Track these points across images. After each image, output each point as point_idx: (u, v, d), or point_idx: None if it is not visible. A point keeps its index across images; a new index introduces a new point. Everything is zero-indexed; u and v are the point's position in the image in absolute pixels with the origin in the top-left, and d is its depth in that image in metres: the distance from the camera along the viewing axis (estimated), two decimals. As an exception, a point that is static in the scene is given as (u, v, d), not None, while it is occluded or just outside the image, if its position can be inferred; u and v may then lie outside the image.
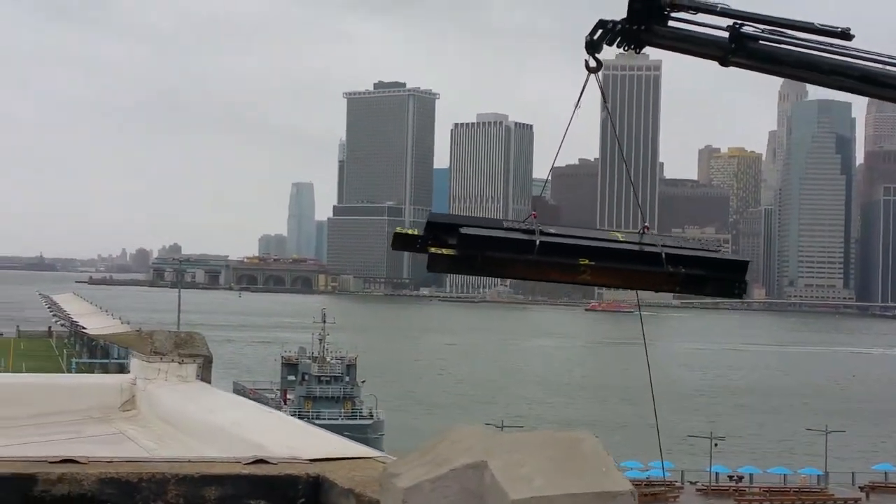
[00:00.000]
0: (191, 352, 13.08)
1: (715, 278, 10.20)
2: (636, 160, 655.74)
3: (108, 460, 7.63)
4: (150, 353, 12.93)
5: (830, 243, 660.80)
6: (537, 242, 9.32)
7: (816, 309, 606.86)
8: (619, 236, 10.19)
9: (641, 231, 10.29)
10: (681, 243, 10.40)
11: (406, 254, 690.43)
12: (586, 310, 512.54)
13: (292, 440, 8.96)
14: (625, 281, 10.08)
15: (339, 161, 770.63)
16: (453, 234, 9.38)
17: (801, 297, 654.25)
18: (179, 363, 12.89)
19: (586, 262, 9.55)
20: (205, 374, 13.12)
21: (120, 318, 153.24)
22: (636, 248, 9.91)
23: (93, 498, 7.10)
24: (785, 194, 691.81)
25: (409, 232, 9.86)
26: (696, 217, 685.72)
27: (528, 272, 9.68)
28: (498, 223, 9.84)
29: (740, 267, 10.29)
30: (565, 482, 5.56)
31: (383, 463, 8.02)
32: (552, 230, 9.69)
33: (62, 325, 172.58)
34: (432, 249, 9.28)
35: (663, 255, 9.80)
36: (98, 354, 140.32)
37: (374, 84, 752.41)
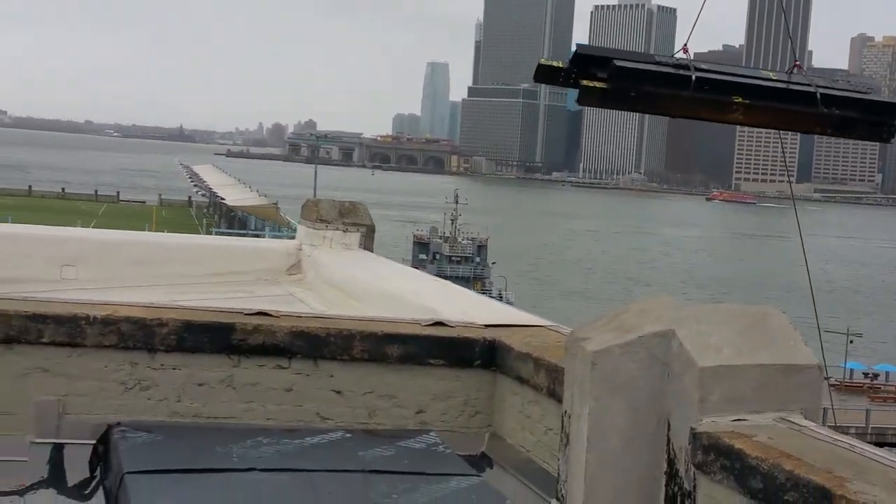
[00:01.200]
0: (354, 221, 13.49)
1: (865, 121, 9.87)
2: (783, 49, 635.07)
3: (298, 315, 8.06)
4: (316, 221, 13.36)
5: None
6: (693, 78, 9.15)
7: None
8: (772, 75, 9.91)
9: (790, 70, 9.99)
10: (831, 83, 10.04)
11: (539, 137, 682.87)
12: (707, 199, 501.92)
13: (464, 307, 9.28)
14: (776, 121, 9.78)
15: (476, 42, 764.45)
16: (601, 67, 9.20)
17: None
18: (344, 231, 13.31)
19: (740, 99, 9.35)
20: (367, 244, 13.52)
21: (257, 191, 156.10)
22: (789, 87, 9.61)
23: (284, 349, 7.54)
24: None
25: (554, 64, 9.53)
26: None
27: (681, 109, 9.47)
28: (649, 57, 9.60)
29: (891, 109, 9.95)
30: (752, 353, 5.72)
31: (556, 332, 8.30)
32: (703, 66, 9.49)
33: (202, 195, 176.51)
34: (584, 82, 9.14)
35: (818, 95, 9.53)
36: (236, 225, 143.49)
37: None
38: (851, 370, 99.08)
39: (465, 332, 8.02)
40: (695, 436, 5.56)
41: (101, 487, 6.95)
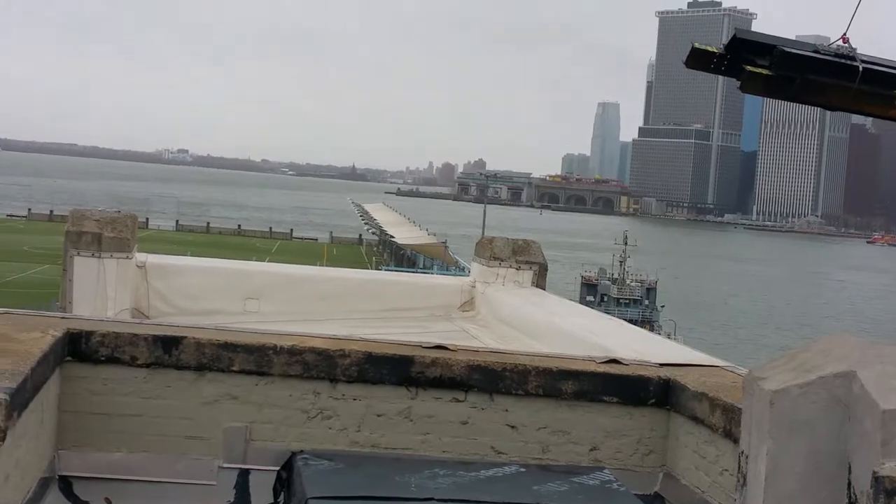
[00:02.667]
0: (528, 259, 13.66)
1: None
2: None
3: (475, 349, 8.24)
4: (490, 259, 13.58)
5: None
6: (860, 69, 8.90)
7: None
8: None
9: None
10: None
11: (711, 178, 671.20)
12: (868, 242, 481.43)
13: (638, 346, 9.32)
14: None
15: (648, 82, 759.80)
16: (757, 54, 9.03)
17: None
18: (517, 269, 13.49)
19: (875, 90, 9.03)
20: (539, 281, 13.66)
21: (426, 230, 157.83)
22: None
23: (461, 382, 7.72)
24: None
25: (709, 48, 9.36)
26: None
27: (842, 100, 9.21)
28: (810, 46, 9.42)
29: None
30: (938, 396, 5.62)
31: (732, 372, 8.26)
32: (865, 57, 9.21)
33: (372, 232, 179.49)
34: (749, 68, 8.97)
35: None
36: (405, 263, 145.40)
37: (688, 3, 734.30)
38: None
39: (639, 371, 8.07)
40: (877, 479, 5.49)
41: None
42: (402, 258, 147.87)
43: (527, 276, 13.52)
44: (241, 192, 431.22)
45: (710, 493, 7.28)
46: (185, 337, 7.47)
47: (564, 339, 10.24)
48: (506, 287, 13.36)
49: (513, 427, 7.79)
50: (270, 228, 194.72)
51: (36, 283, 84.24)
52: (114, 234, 12.34)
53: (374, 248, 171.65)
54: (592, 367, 8.01)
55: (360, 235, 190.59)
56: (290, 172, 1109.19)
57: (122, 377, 7.38)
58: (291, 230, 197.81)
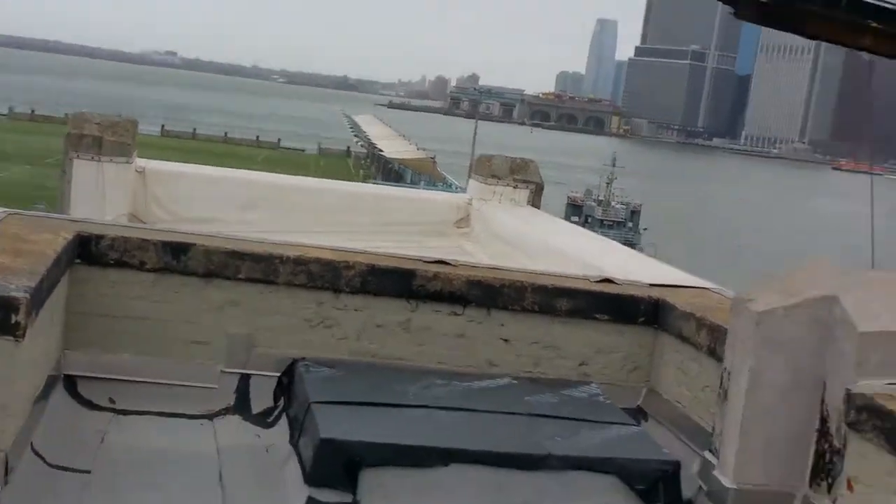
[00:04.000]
0: (525, 177, 13.91)
1: None
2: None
3: (474, 265, 8.54)
4: (488, 176, 13.83)
5: None
6: None
7: None
8: None
9: None
10: None
11: (704, 101, 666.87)
12: (833, 168, 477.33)
13: (629, 265, 9.65)
14: None
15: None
16: None
17: None
18: (514, 187, 13.75)
19: (874, 24, 9.25)
20: (535, 201, 13.93)
21: (416, 145, 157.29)
22: None
23: (460, 296, 8.02)
24: None
25: None
26: None
27: (822, 29, 9.43)
28: None
29: None
30: (913, 321, 5.96)
31: (719, 294, 8.59)
32: None
33: (361, 145, 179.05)
34: None
35: None
36: (392, 177, 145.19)
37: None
38: None
39: (630, 290, 8.38)
40: (849, 396, 5.85)
41: (283, 416, 7.55)
42: (389, 172, 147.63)
43: (523, 194, 13.79)
44: (230, 98, 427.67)
45: (690, 407, 7.64)
46: (195, 244, 7.72)
47: (558, 257, 10.54)
48: (502, 205, 13.63)
49: (507, 341, 8.10)
50: (258, 137, 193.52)
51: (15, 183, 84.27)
52: (114, 139, 12.53)
53: (362, 161, 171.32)
54: (586, 286, 8.31)
55: (349, 148, 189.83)
56: (282, 80, 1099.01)
57: (130, 280, 7.62)
58: (279, 139, 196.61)
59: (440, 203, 14.44)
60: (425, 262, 8.24)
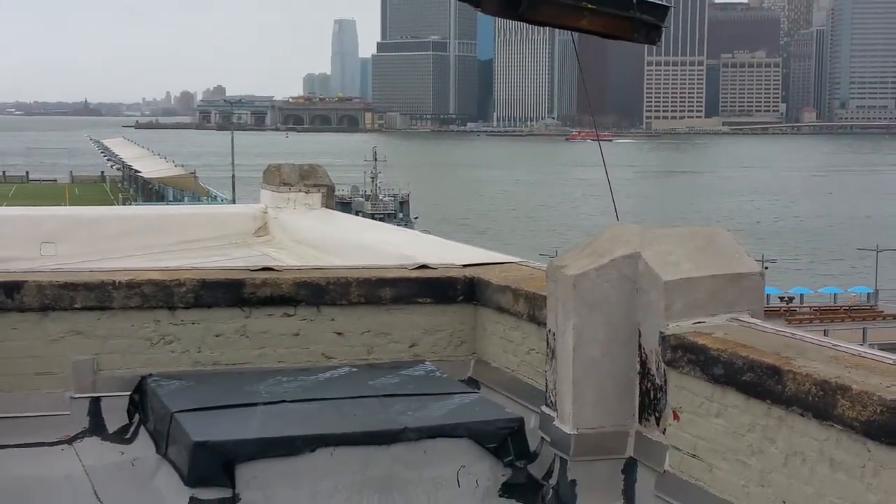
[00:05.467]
0: (315, 182, 14.39)
1: (649, 24, 10.83)
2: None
3: (299, 267, 9.02)
4: (279, 185, 14.24)
5: (884, 64, 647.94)
6: None
7: (868, 130, 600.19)
8: None
9: None
10: None
11: (451, 88, 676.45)
12: (566, 139, 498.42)
13: (436, 251, 10.30)
14: (609, 27, 10.70)
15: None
16: None
17: (852, 119, 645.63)
18: (306, 192, 14.20)
19: (590, 5, 10.25)
20: (328, 203, 14.43)
21: (173, 162, 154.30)
22: None
23: (290, 298, 8.50)
24: (837, 14, 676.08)
25: None
26: (745, 41, 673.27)
27: (557, 15, 10.33)
28: None
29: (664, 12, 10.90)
30: (706, 266, 6.83)
31: (526, 266, 9.36)
32: None
33: (117, 168, 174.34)
34: None
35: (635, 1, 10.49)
36: (153, 197, 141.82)
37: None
38: (768, 296, 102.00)
39: (447, 273, 9.03)
40: (663, 338, 6.66)
41: (140, 430, 7.86)
42: (150, 192, 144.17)
43: (316, 198, 14.26)
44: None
45: (519, 370, 8.35)
46: (26, 281, 7.92)
47: (365, 252, 11.08)
48: (297, 210, 14.06)
49: (340, 334, 8.63)
50: (3, 172, 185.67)
51: None
52: None
53: (119, 185, 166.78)
54: (406, 274, 8.92)
55: (103, 172, 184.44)
56: (17, 112, 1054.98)
57: None
58: (27, 172, 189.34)
59: (236, 215, 14.74)
60: (252, 270, 8.67)
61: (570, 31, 10.69)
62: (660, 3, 11.18)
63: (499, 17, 10.77)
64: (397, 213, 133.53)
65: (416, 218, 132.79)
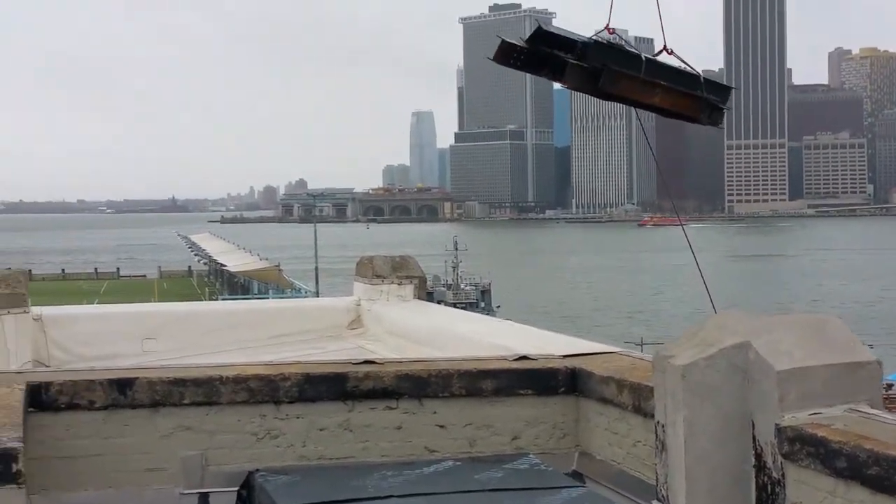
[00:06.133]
0: (407, 274, 14.48)
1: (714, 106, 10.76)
2: (763, 68, 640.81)
3: (399, 360, 9.04)
4: (372, 277, 14.35)
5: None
6: (643, 59, 10.00)
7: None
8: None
9: (657, 54, 10.53)
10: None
11: (529, 176, 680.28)
12: (639, 225, 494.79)
13: (533, 341, 10.26)
14: (680, 105, 10.69)
15: (458, 88, 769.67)
16: (561, 48, 10.00)
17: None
18: (399, 284, 14.29)
19: (664, 83, 10.22)
20: (420, 294, 14.49)
21: (258, 255, 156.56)
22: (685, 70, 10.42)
23: (392, 391, 8.52)
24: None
25: (514, 42, 10.10)
26: (827, 122, 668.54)
27: (635, 91, 10.33)
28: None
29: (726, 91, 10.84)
30: (820, 355, 6.70)
31: (627, 356, 9.27)
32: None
33: (204, 263, 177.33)
34: (572, 61, 9.84)
35: (702, 79, 10.49)
36: (239, 291, 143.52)
37: (490, 7, 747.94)
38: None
39: (547, 364, 8.99)
40: (779, 430, 6.52)
41: None
42: (235, 286, 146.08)
43: (408, 290, 14.33)
44: (60, 236, 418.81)
45: (625, 463, 8.23)
46: (138, 378, 8.05)
47: (461, 343, 11.08)
48: (390, 302, 14.15)
49: (442, 427, 8.60)
50: (96, 269, 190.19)
51: None
52: (8, 291, 12.65)
53: (205, 279, 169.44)
54: (506, 365, 8.90)
55: (190, 267, 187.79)
56: (109, 210, 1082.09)
57: (82, 421, 7.91)
58: (118, 269, 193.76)
59: (329, 308, 14.87)
60: (354, 363, 8.71)
61: (639, 113, 10.77)
62: (724, 84, 11.28)
63: (579, 90, 10.90)
64: (479, 301, 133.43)
65: (499, 307, 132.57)
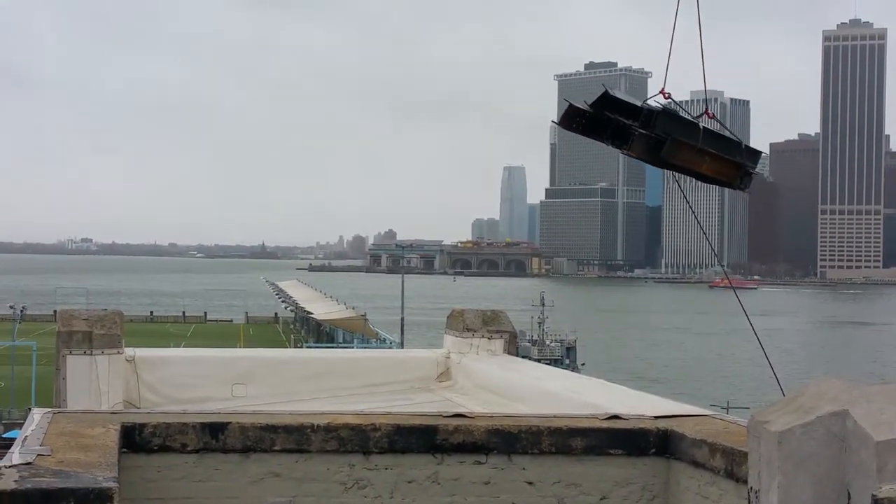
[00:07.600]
0: (498, 328, 14.47)
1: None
2: (860, 133, 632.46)
3: (490, 415, 9.03)
4: (463, 330, 14.37)
5: None
6: (702, 128, 9.98)
7: None
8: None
9: (699, 117, 10.75)
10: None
11: (619, 234, 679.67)
12: (710, 287, 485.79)
13: (625, 400, 10.18)
14: (722, 172, 10.62)
15: (551, 144, 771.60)
16: (627, 114, 10.01)
17: None
18: (489, 338, 14.29)
19: (711, 150, 10.13)
20: (510, 349, 14.47)
21: (345, 304, 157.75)
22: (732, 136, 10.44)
23: (482, 446, 8.49)
24: None
25: (580, 106, 10.37)
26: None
27: (694, 160, 10.28)
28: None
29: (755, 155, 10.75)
30: (921, 426, 6.56)
31: (720, 419, 9.15)
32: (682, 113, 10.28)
33: (291, 310, 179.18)
34: (639, 130, 9.96)
35: (743, 146, 10.41)
36: (324, 339, 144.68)
37: (585, 64, 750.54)
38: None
39: (639, 424, 8.90)
40: (876, 501, 6.38)
41: None
42: (320, 334, 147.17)
43: (498, 344, 14.33)
44: (150, 279, 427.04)
45: (715, 529, 8.10)
46: (230, 422, 8.14)
47: (550, 400, 11.03)
48: (480, 356, 14.15)
49: (530, 483, 8.55)
50: (184, 312, 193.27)
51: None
52: (104, 332, 12.90)
53: (291, 326, 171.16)
54: (597, 424, 8.83)
55: (276, 314, 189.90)
56: (199, 255, 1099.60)
57: (174, 463, 8.02)
58: (205, 313, 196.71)
59: (419, 360, 14.91)
60: (445, 416, 8.72)
61: (688, 177, 10.77)
62: (757, 149, 11.29)
63: (642, 160, 10.95)
64: (564, 358, 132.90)
65: (584, 364, 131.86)
